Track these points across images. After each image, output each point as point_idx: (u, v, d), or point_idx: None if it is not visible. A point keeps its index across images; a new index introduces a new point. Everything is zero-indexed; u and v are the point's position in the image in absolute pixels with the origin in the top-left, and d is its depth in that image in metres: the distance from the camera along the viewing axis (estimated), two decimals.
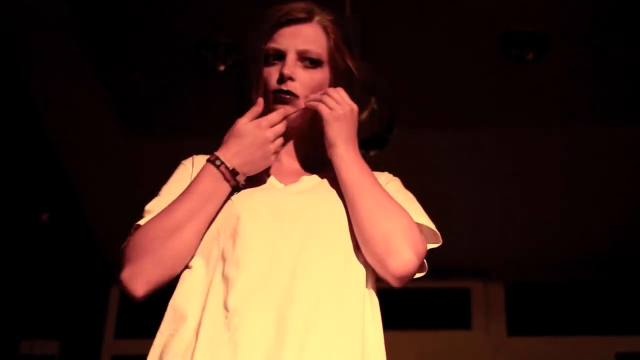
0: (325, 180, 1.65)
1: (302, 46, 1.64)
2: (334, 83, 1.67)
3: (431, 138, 4.12)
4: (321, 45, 1.65)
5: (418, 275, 1.58)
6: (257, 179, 1.63)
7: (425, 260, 1.59)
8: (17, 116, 4.02)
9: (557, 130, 4.13)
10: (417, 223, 1.58)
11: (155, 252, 1.51)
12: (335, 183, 1.64)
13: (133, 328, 4.86)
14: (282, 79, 1.62)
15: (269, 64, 1.65)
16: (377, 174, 1.70)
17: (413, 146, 3.87)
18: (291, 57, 1.63)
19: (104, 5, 3.70)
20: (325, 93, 1.63)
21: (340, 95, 1.63)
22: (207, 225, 1.55)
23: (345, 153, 1.61)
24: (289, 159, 1.70)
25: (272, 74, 1.64)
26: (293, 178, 1.66)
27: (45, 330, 4.51)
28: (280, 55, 1.64)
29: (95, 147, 4.29)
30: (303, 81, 1.63)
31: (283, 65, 1.62)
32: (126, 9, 3.66)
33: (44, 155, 4.25)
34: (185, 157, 1.72)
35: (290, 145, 1.69)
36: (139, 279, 1.51)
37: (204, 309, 1.47)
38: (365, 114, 2.94)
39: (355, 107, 1.65)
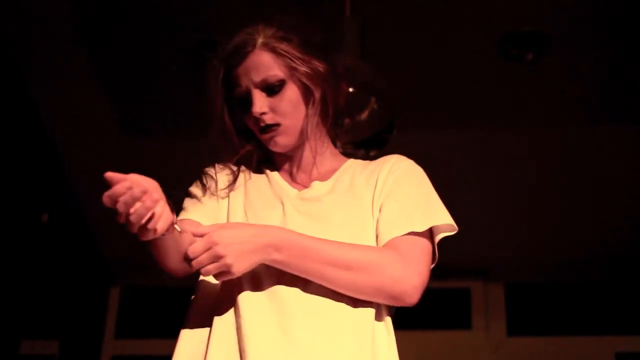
0: (336, 187, 1.66)
1: (257, 78, 1.64)
2: (304, 91, 1.66)
3: (431, 138, 4.12)
4: (273, 67, 1.64)
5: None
6: (271, 186, 1.67)
7: (436, 248, 1.59)
8: (17, 116, 4.02)
9: (556, 130, 4.13)
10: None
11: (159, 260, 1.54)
12: (345, 189, 1.65)
13: (133, 328, 4.86)
14: (257, 118, 1.65)
15: (244, 107, 1.67)
16: (383, 158, 1.72)
17: (413, 146, 3.86)
18: (255, 93, 1.64)
19: (103, 5, 3.70)
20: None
21: (195, 248, 1.44)
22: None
23: (272, 261, 1.48)
24: (299, 168, 1.71)
25: (250, 116, 1.67)
26: (305, 184, 1.69)
27: (45, 330, 4.51)
28: (247, 95, 1.65)
29: (95, 147, 4.28)
30: (275, 108, 1.65)
31: (252, 105, 1.64)
32: (126, 8, 3.66)
33: (44, 156, 4.25)
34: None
35: (298, 155, 1.71)
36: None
37: (214, 320, 1.50)
38: (365, 114, 2.94)
39: (215, 232, 1.45)
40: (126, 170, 1.35)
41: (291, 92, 1.65)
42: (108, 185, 1.31)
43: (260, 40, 1.65)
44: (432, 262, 1.59)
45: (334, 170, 1.71)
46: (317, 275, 1.48)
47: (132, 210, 1.32)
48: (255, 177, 1.71)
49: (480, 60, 3.80)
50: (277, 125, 1.65)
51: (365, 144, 2.94)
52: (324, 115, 1.70)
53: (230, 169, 1.71)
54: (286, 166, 1.72)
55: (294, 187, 1.68)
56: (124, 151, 4.28)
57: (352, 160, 1.76)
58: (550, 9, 3.60)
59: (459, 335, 4.70)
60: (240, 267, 1.43)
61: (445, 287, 4.73)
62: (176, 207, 1.69)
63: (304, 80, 1.65)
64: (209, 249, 1.42)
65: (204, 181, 1.67)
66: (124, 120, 4.19)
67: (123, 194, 1.31)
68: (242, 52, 1.65)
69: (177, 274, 1.54)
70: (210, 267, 1.43)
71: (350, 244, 1.52)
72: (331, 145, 1.76)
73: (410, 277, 1.51)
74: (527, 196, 4.38)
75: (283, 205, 1.62)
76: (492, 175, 4.30)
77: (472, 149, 4.22)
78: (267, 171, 1.72)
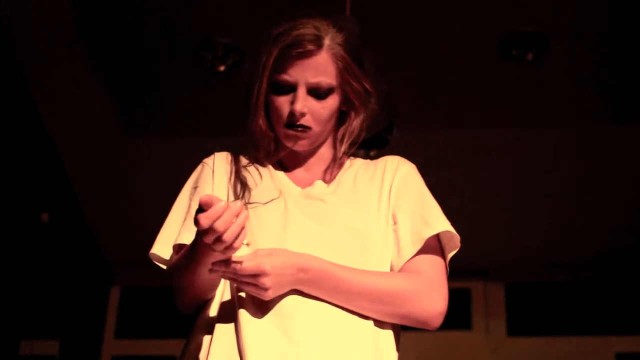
0: (339, 188, 1.66)
1: (312, 79, 1.60)
2: (344, 103, 1.66)
3: (431, 138, 4.12)
4: (331, 74, 1.61)
5: None
6: (273, 182, 1.67)
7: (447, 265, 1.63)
8: (17, 116, 4.02)
9: (556, 130, 4.13)
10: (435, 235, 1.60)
11: (184, 291, 1.55)
12: (349, 190, 1.66)
13: (133, 328, 4.86)
14: (294, 114, 1.61)
15: (279, 92, 1.63)
16: (384, 159, 1.72)
17: (413, 146, 3.87)
18: (302, 91, 1.60)
19: (103, 5, 3.70)
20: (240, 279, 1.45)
21: (244, 268, 1.43)
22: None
23: (304, 288, 1.50)
24: (305, 168, 1.71)
25: (283, 105, 1.62)
26: (308, 182, 1.68)
27: (45, 330, 4.51)
28: (291, 87, 1.61)
29: (95, 147, 4.29)
30: (315, 113, 1.62)
31: (294, 99, 1.60)
32: (126, 8, 3.66)
33: (44, 156, 4.25)
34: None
35: (306, 157, 1.71)
36: (181, 307, 1.58)
37: (215, 326, 1.50)
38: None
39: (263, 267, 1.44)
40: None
41: (333, 101, 1.63)
42: (202, 208, 1.33)
43: (327, 43, 1.61)
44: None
45: (336, 171, 1.72)
46: (347, 304, 1.50)
47: (230, 228, 1.33)
48: (256, 172, 1.69)
49: (480, 60, 3.80)
50: (309, 128, 1.63)
51: (365, 144, 2.94)
52: (357, 136, 1.70)
53: (230, 164, 1.69)
54: (291, 164, 1.72)
55: (297, 185, 1.67)
56: (124, 151, 4.28)
57: (351, 160, 1.76)
58: (550, 9, 3.60)
59: (459, 335, 4.70)
60: (275, 294, 1.46)
61: None
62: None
63: (352, 96, 1.65)
64: (258, 275, 1.42)
65: (204, 178, 1.66)
66: (124, 119, 4.19)
67: (221, 214, 1.32)
68: (305, 46, 1.60)
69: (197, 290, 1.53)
70: (249, 288, 1.44)
71: (378, 272, 1.54)
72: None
73: (436, 304, 1.54)
74: (527, 196, 4.38)
75: (285, 202, 1.61)
76: (492, 175, 4.30)
77: (472, 149, 4.22)
78: (270, 166, 1.71)
